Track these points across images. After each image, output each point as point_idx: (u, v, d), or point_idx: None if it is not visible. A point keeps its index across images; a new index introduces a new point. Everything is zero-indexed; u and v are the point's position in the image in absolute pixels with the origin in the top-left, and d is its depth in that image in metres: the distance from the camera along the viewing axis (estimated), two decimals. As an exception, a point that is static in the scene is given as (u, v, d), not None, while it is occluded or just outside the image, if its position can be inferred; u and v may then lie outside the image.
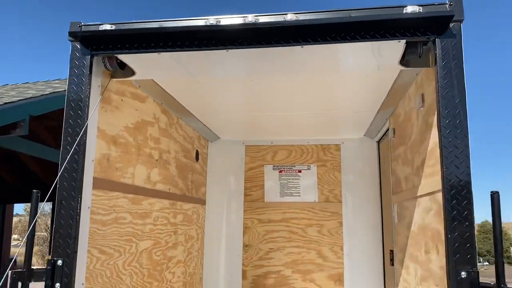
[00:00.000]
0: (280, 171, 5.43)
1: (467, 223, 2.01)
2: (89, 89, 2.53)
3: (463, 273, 1.97)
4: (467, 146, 2.06)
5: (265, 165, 5.46)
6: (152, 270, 3.54)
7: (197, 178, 4.92)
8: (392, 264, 4.04)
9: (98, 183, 2.70)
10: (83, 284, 2.51)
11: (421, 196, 2.83)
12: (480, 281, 1.91)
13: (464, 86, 2.12)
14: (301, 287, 5.17)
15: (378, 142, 5.04)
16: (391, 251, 4.10)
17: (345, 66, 2.84)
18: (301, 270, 5.19)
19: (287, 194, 5.37)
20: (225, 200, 5.42)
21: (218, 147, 5.46)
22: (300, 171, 5.41)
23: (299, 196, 5.34)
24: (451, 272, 1.99)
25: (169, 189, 3.97)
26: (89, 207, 2.58)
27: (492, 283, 1.90)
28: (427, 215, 2.68)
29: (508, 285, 1.87)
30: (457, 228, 2.02)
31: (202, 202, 5.11)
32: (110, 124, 2.86)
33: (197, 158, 4.89)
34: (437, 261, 2.45)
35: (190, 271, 4.57)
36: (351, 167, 5.24)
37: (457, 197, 2.03)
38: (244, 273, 5.28)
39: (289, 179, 5.40)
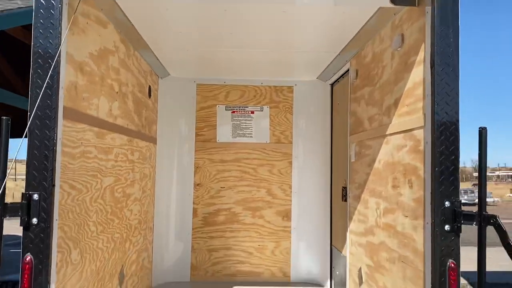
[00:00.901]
0: (233, 112, 5.38)
1: (453, 157, 2.16)
2: (61, 6, 2.24)
3: (447, 202, 2.13)
4: (458, 84, 2.17)
5: (217, 105, 5.37)
6: (114, 207, 3.42)
7: (150, 115, 4.72)
8: (345, 200, 4.28)
9: (68, 113, 2.47)
10: (56, 220, 2.36)
11: (391, 134, 2.96)
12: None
13: (458, 25, 2.19)
14: (250, 223, 5.33)
15: (332, 84, 5.14)
16: (344, 188, 4.32)
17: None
18: (251, 207, 5.33)
19: (240, 135, 5.37)
20: (176, 139, 5.29)
21: (169, 84, 5.23)
22: (253, 112, 5.40)
23: (251, 137, 5.37)
24: (436, 203, 2.15)
25: (127, 124, 3.77)
26: (60, 138, 2.37)
27: (474, 211, 2.09)
28: (399, 152, 2.83)
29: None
30: (444, 162, 2.16)
31: (154, 140, 4.94)
32: (77, 49, 2.59)
33: (149, 94, 4.67)
34: (410, 194, 2.62)
35: (145, 209, 4.49)
36: (303, 109, 5.34)
37: (445, 133, 2.16)
38: (194, 210, 5.30)
39: (242, 120, 5.38)
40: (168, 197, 5.24)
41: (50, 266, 2.18)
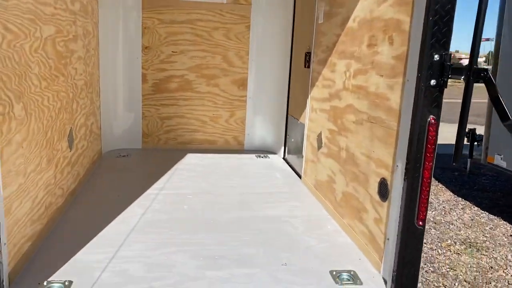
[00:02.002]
0: (186, -36, 4.76)
1: (449, 6, 1.98)
2: None
3: (436, 56, 2.00)
4: None
5: (167, -45, 4.71)
6: (57, 62, 3.01)
7: (89, -39, 4.04)
8: (307, 66, 4.11)
9: None
10: (-8, 65, 1.98)
11: (373, -13, 2.70)
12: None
13: None
14: (205, 91, 5.10)
15: None
16: (307, 54, 4.12)
17: None
18: (205, 75, 5.05)
19: (193, -8, 4.84)
20: (120, -6, 4.68)
21: None
22: (208, -34, 4.81)
23: (207, -5, 4.86)
24: (425, 57, 2.01)
25: (65, -34, 3.18)
26: None
27: (464, 65, 1.99)
28: (380, 6, 2.60)
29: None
30: (439, 11, 1.98)
31: (95, -7, 4.32)
32: None
33: None
34: (389, 52, 2.47)
35: (90, 70, 4.07)
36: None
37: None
38: (144, 76, 4.95)
39: (196, -26, 4.80)
40: (114, 60, 4.80)
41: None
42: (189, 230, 2.97)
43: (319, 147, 3.70)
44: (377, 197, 2.59)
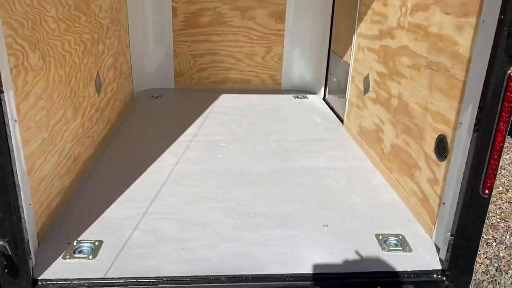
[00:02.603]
0: None
1: None
2: None
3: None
4: None
5: None
6: (78, 0, 2.73)
7: None
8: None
9: None
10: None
11: None
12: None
13: None
14: (239, 26, 4.72)
15: None
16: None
17: None
18: (239, 7, 4.64)
19: None
20: None
21: None
22: None
23: None
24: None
25: None
26: None
27: None
28: None
29: None
30: None
31: None
32: None
33: None
34: (460, -17, 2.04)
35: (116, 6, 3.77)
36: None
37: None
38: (174, 10, 4.60)
39: None
40: (142, -7, 4.45)
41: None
42: (224, 183, 2.80)
43: (366, 90, 3.35)
44: (433, 155, 2.29)
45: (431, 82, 2.33)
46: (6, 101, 1.70)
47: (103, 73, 3.32)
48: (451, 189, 2.06)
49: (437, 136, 2.25)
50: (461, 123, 2.00)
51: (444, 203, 2.14)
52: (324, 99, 4.71)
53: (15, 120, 1.82)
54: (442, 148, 2.21)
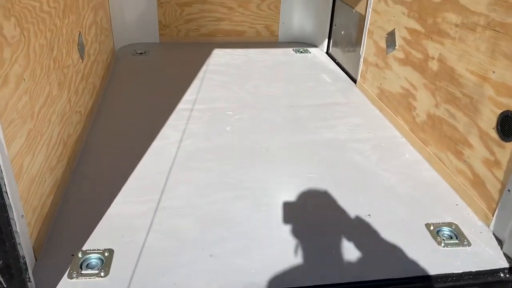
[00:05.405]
0: None
1: None
2: None
3: None
4: None
5: None
6: None
7: None
8: None
9: None
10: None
11: None
12: None
13: None
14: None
15: None
16: None
17: None
18: None
19: None
20: None
21: None
22: None
23: None
24: None
25: None
26: None
27: None
28: None
29: None
30: None
31: None
32: None
33: None
34: None
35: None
36: None
37: None
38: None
39: None
40: None
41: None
42: (240, 165, 2.43)
43: (390, 49, 2.96)
44: (493, 134, 1.99)
45: (494, 46, 1.97)
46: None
47: (84, 33, 2.79)
48: (521, 176, 1.77)
49: (500, 112, 1.93)
50: (541, 100, 1.68)
51: (509, 190, 1.87)
52: (327, 52, 4.29)
53: None
54: (508, 127, 1.89)
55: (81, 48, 2.64)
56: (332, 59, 4.12)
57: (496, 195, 1.97)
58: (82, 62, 2.68)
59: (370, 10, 3.23)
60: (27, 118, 1.71)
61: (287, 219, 2.03)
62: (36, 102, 1.82)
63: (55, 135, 2.08)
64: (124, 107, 3.06)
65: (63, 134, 2.21)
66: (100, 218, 1.97)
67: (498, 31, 1.93)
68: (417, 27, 2.60)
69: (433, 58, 2.45)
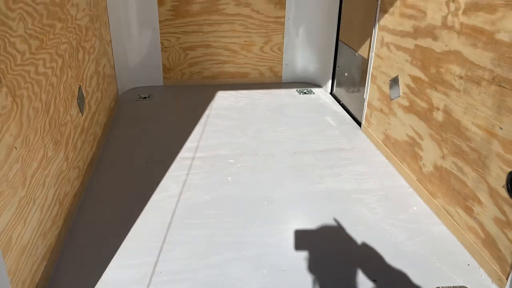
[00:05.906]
0: None
1: None
2: None
3: None
4: None
5: None
6: (51, 4, 2.17)
7: None
8: (374, -16, 3.14)
9: None
10: None
11: None
12: None
13: None
14: (234, 13, 4.18)
15: None
16: (374, -33, 3.13)
17: None
18: (235, -7, 4.09)
19: None
20: None
21: None
22: None
23: None
24: None
25: None
26: None
27: None
28: None
29: None
30: None
31: None
32: None
33: None
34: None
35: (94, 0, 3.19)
36: None
37: None
38: (160, -2, 4.02)
39: None
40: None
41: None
42: (241, 220, 2.36)
43: (394, 95, 2.91)
44: (503, 192, 1.90)
45: (500, 102, 1.90)
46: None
47: (85, 85, 2.78)
48: (537, 242, 1.67)
49: (510, 171, 1.85)
50: (553, 163, 1.60)
51: (523, 255, 1.76)
52: (332, 93, 4.26)
53: None
54: (518, 187, 1.81)
55: (81, 101, 2.63)
56: (337, 100, 4.08)
57: (509, 258, 1.86)
58: (82, 115, 2.66)
59: (373, 54, 3.20)
60: (18, 187, 1.66)
61: (291, 284, 1.93)
62: (28, 168, 1.78)
63: (50, 196, 2.03)
64: (125, 156, 3.03)
65: (59, 193, 2.16)
66: (95, 285, 1.90)
67: (504, 87, 1.87)
68: (421, 75, 2.55)
69: (438, 109, 2.39)
